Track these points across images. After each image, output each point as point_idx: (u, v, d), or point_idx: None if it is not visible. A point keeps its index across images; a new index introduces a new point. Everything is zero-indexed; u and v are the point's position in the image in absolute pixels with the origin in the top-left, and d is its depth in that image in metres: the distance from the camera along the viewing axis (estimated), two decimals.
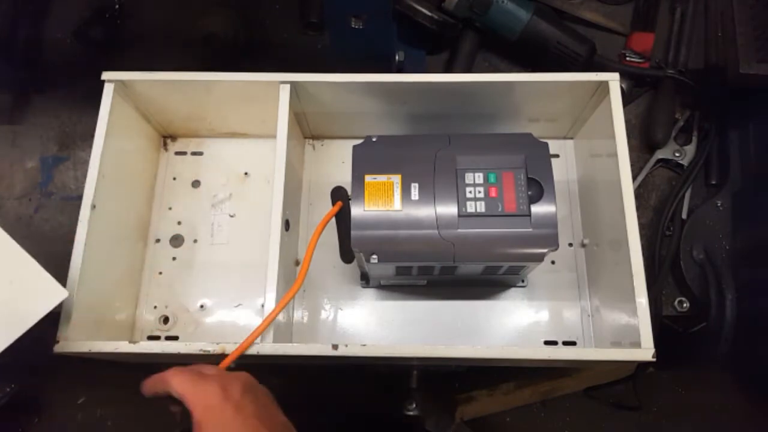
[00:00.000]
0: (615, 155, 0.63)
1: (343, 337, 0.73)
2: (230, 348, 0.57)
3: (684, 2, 0.85)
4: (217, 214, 0.79)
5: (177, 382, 0.48)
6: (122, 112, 0.70)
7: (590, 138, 0.75)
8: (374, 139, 0.63)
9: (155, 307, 0.75)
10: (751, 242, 0.72)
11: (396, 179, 0.60)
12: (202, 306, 0.75)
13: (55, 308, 0.60)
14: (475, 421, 0.89)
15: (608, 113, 0.66)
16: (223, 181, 0.80)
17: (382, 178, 0.60)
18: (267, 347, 0.58)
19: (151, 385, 0.51)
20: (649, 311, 0.58)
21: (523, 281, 0.74)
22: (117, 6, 0.88)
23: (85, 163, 0.68)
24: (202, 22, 0.88)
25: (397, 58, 0.79)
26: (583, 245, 0.75)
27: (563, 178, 0.78)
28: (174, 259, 0.77)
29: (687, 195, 0.77)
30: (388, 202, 0.60)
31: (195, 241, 0.77)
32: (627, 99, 0.81)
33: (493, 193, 0.60)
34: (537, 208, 0.59)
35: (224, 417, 0.46)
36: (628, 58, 0.82)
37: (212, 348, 0.58)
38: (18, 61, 0.86)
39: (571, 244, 0.76)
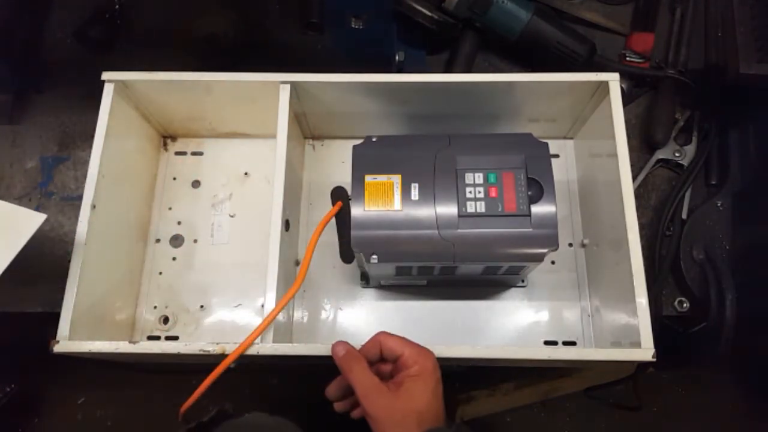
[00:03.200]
0: (615, 155, 0.63)
1: (343, 337, 0.72)
2: (230, 348, 0.57)
3: (684, 2, 0.85)
4: (217, 214, 0.79)
5: (394, 341, 0.54)
6: (122, 112, 0.70)
7: (590, 138, 0.75)
8: (374, 139, 0.63)
9: (155, 307, 0.75)
10: (751, 242, 0.72)
11: (396, 179, 0.60)
12: (202, 306, 0.75)
13: (56, 308, 0.60)
14: (475, 421, 0.89)
15: (608, 113, 0.66)
16: (223, 181, 0.80)
17: (382, 178, 0.60)
18: (267, 347, 0.58)
19: (347, 361, 0.54)
20: (649, 311, 0.58)
21: (523, 281, 0.74)
22: (117, 6, 0.88)
23: (85, 163, 0.68)
24: (202, 22, 0.88)
25: (397, 58, 0.79)
26: (583, 245, 0.75)
27: (563, 178, 0.78)
28: (174, 259, 0.77)
29: (687, 195, 0.77)
30: (388, 202, 0.60)
31: (195, 241, 0.77)
32: (627, 99, 0.81)
33: (493, 193, 0.60)
34: (537, 208, 0.59)
35: (432, 380, 0.52)
36: (628, 58, 0.82)
37: (212, 348, 0.58)
38: (18, 61, 0.86)
39: (571, 244, 0.76)
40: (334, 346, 0.55)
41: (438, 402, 0.52)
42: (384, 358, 0.55)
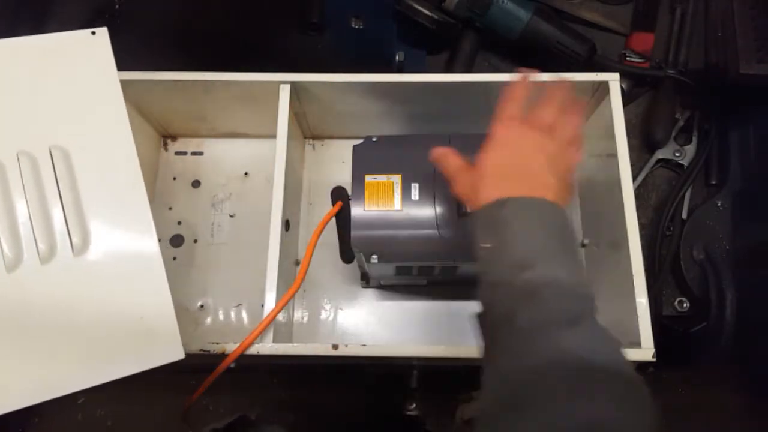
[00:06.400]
0: (615, 155, 0.63)
1: (343, 337, 0.73)
2: (230, 348, 0.57)
3: (684, 2, 0.85)
4: (217, 214, 0.79)
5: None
6: None
7: (590, 138, 0.75)
8: (374, 139, 0.63)
9: None
10: (751, 242, 0.72)
11: (396, 179, 0.60)
12: (202, 306, 0.75)
13: None
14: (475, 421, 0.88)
15: (608, 113, 0.66)
16: (223, 181, 0.80)
17: (382, 178, 0.60)
18: (267, 347, 0.58)
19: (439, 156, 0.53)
20: (649, 311, 0.58)
21: None
22: (117, 6, 0.88)
23: None
24: (202, 22, 0.88)
25: (397, 58, 0.79)
26: (583, 245, 0.75)
27: None
28: (174, 259, 0.77)
29: (687, 195, 0.77)
30: (388, 202, 0.60)
31: (195, 241, 0.77)
32: (627, 99, 0.81)
33: None
34: None
35: (505, 149, 0.49)
36: (628, 58, 0.82)
37: (212, 348, 0.58)
38: None
39: None
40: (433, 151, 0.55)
41: (512, 165, 0.47)
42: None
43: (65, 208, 0.49)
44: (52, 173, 0.51)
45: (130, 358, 0.48)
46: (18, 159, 0.50)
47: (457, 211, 0.61)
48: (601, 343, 0.40)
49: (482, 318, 0.44)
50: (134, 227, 0.51)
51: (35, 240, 0.49)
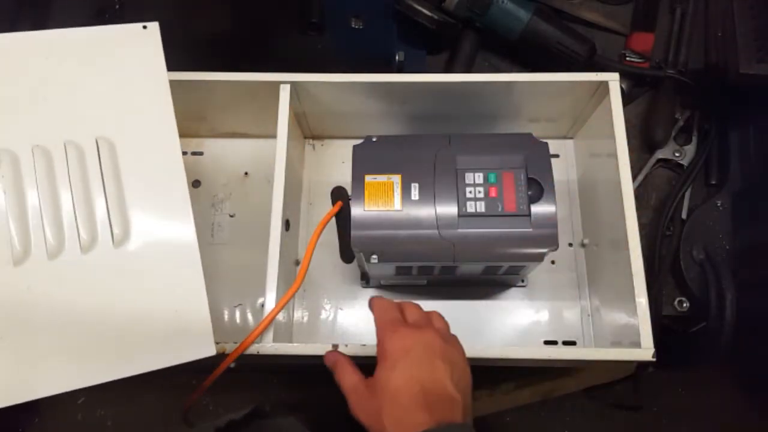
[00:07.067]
0: (615, 155, 0.63)
1: (343, 337, 0.73)
2: (230, 348, 0.57)
3: (684, 2, 0.85)
4: (217, 214, 0.79)
5: (376, 312, 0.50)
6: None
7: (590, 138, 0.75)
8: (374, 139, 0.63)
9: None
10: (751, 242, 0.72)
11: (396, 179, 0.60)
12: None
13: None
14: (475, 421, 0.88)
15: (608, 113, 0.66)
16: (223, 181, 0.80)
17: (382, 178, 0.60)
18: (267, 347, 0.58)
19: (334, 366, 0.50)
20: (649, 311, 0.58)
21: (523, 281, 0.74)
22: (117, 6, 0.88)
23: None
24: (202, 22, 0.88)
25: (397, 58, 0.79)
26: (583, 245, 0.75)
27: (563, 178, 0.78)
28: None
29: (687, 195, 0.77)
30: (388, 202, 0.60)
31: None
32: (627, 99, 0.81)
33: (493, 193, 0.60)
34: (537, 208, 0.59)
35: (399, 364, 0.44)
36: (628, 58, 0.82)
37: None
38: None
39: (571, 244, 0.76)
40: (326, 356, 0.53)
41: (418, 385, 0.43)
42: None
43: (108, 199, 0.50)
44: (98, 164, 0.51)
45: (163, 350, 0.48)
46: (65, 148, 0.51)
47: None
48: None
49: None
50: (174, 221, 0.51)
51: (77, 229, 0.49)
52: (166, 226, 0.51)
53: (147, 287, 0.49)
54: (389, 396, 0.43)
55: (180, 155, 0.52)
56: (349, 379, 0.48)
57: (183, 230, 0.51)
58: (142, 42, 0.55)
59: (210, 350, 0.48)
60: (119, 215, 0.50)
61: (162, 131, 0.53)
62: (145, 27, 0.55)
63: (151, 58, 0.54)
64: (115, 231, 0.49)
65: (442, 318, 0.51)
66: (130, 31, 0.55)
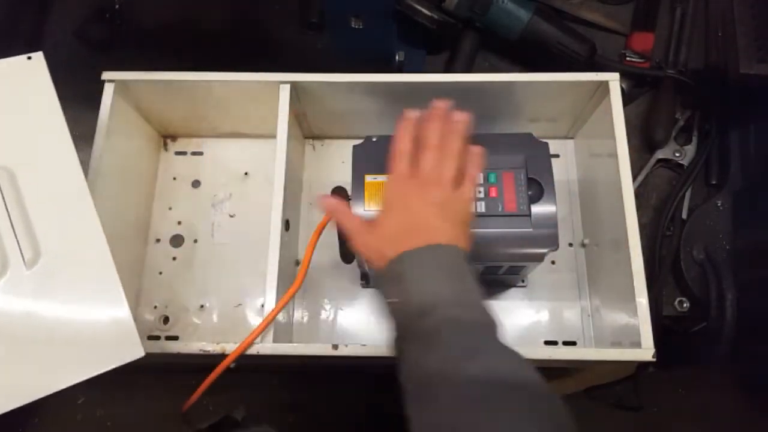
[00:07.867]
0: (615, 155, 0.63)
1: (343, 337, 0.73)
2: (230, 348, 0.57)
3: (684, 2, 0.85)
4: (217, 214, 0.79)
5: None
6: (122, 112, 0.70)
7: (590, 138, 0.75)
8: (374, 139, 0.63)
9: (155, 307, 0.75)
10: (751, 242, 0.72)
11: None
12: (202, 306, 0.75)
13: None
14: None
15: (608, 113, 0.66)
16: (223, 181, 0.80)
17: (382, 178, 0.60)
18: (267, 347, 0.58)
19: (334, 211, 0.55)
20: (649, 311, 0.58)
21: (523, 281, 0.74)
22: (117, 6, 0.88)
23: (85, 163, 0.67)
24: (202, 22, 0.88)
25: (397, 58, 0.79)
26: (583, 245, 0.75)
27: (563, 178, 0.78)
28: (174, 259, 0.77)
29: (687, 195, 0.77)
30: None
31: (195, 241, 0.77)
32: (627, 99, 0.81)
33: (493, 193, 0.60)
34: (537, 208, 0.59)
35: (396, 204, 0.51)
36: (628, 58, 0.82)
37: (212, 348, 0.58)
38: None
39: (571, 244, 0.76)
40: (321, 200, 0.56)
41: (408, 224, 0.49)
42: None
43: (14, 225, 0.51)
44: None
45: (90, 360, 0.49)
46: None
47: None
48: (503, 363, 0.41)
49: (400, 375, 0.45)
50: (83, 235, 0.52)
51: None
52: (75, 240, 0.52)
53: (64, 301, 0.50)
54: (383, 231, 0.50)
55: (81, 173, 0.54)
56: (350, 220, 0.53)
57: (93, 242, 0.52)
58: (29, 73, 0.56)
59: (138, 351, 0.49)
60: (27, 238, 0.50)
61: (60, 153, 0.54)
62: (29, 58, 0.56)
63: (40, 86, 0.56)
64: (26, 254, 0.50)
65: (456, 155, 0.53)
66: (15, 64, 0.56)
